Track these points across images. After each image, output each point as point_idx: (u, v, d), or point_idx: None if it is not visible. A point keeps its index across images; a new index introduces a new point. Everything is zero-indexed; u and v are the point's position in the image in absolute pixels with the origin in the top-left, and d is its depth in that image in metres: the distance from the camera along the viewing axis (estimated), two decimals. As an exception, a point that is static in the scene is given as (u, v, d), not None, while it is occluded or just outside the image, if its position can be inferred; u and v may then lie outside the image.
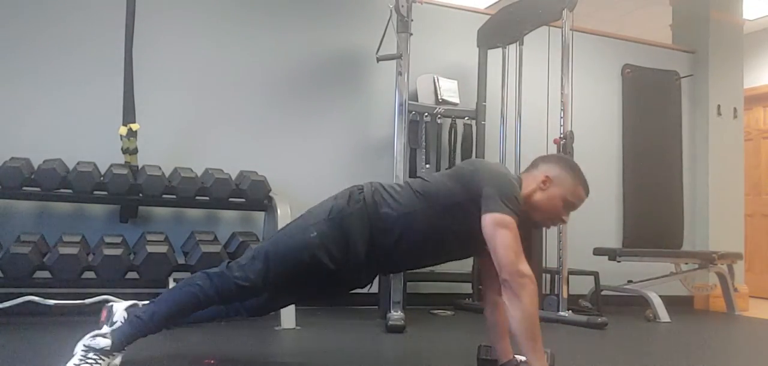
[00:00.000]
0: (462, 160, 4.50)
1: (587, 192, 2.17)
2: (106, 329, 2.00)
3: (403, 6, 3.76)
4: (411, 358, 2.88)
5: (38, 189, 3.36)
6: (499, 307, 2.15)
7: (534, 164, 2.20)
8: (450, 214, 2.04)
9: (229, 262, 2.08)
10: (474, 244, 2.03)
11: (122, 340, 1.96)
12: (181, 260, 3.46)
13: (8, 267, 3.10)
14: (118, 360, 2.01)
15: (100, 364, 1.90)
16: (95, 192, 3.44)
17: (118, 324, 2.02)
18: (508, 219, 1.94)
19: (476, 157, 4.53)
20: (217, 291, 2.02)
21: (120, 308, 2.09)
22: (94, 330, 2.00)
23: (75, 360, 1.89)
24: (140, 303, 2.11)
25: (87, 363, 1.88)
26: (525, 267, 1.91)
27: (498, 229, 1.92)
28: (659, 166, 5.38)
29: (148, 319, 1.99)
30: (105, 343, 1.91)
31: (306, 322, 3.32)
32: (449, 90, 4.50)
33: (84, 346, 1.92)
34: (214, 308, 2.13)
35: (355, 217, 2.04)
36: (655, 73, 5.42)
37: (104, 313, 2.12)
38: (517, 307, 1.90)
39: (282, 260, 2.04)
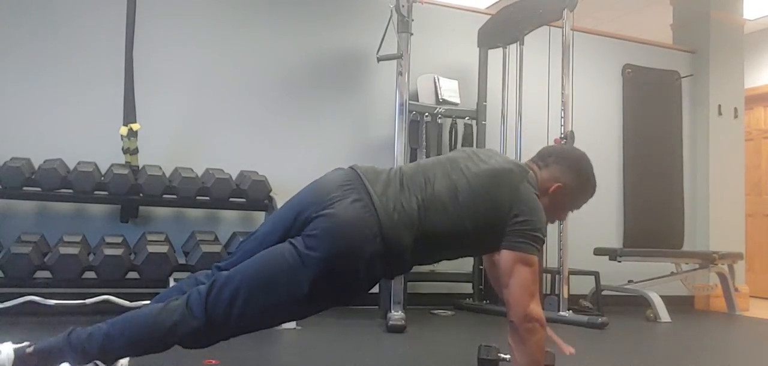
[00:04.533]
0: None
1: (594, 192, 2.10)
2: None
3: (403, 6, 3.76)
4: (411, 358, 2.88)
5: (39, 189, 3.36)
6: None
7: (544, 160, 2.05)
8: (473, 235, 1.87)
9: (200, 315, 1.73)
10: (488, 249, 1.99)
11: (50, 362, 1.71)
12: (181, 260, 3.46)
13: (9, 267, 3.10)
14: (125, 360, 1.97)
15: None
16: (96, 192, 3.44)
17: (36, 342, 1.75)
18: (532, 258, 1.83)
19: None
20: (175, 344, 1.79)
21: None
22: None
23: None
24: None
25: None
26: (536, 309, 1.81)
27: (517, 266, 1.82)
28: (660, 166, 5.38)
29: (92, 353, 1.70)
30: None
31: (306, 322, 3.31)
32: (450, 90, 4.50)
33: None
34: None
35: (370, 267, 1.79)
36: (656, 73, 5.42)
37: None
38: (521, 352, 1.82)
39: (259, 318, 1.80)
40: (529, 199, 1.90)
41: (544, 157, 2.07)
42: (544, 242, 1.90)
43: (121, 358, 1.83)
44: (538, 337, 1.81)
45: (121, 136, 3.50)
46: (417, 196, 1.85)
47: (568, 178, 2.02)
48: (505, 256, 1.85)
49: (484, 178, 1.91)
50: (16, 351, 1.71)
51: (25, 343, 1.74)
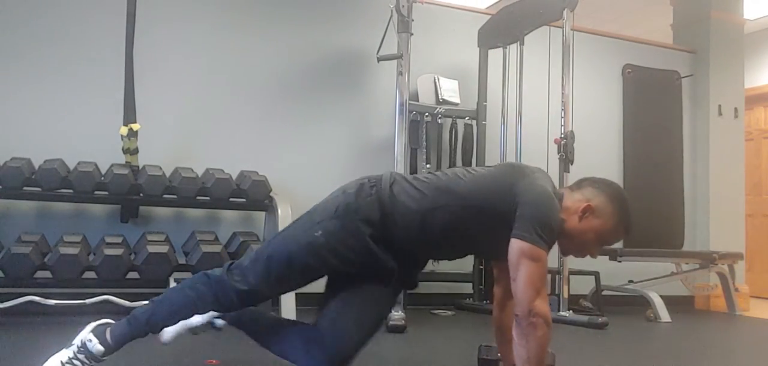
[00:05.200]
0: (463, 160, 4.51)
1: (628, 232, 1.99)
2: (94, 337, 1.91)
3: (403, 6, 3.76)
4: (411, 358, 2.88)
5: (39, 189, 3.36)
6: (506, 308, 2.09)
7: (579, 184, 2.00)
8: (476, 218, 1.88)
9: (230, 264, 1.96)
10: (498, 251, 1.87)
11: (119, 341, 1.90)
12: (181, 260, 3.46)
13: (9, 267, 3.10)
14: None
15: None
16: (96, 192, 3.44)
17: (113, 323, 1.95)
18: (539, 252, 1.77)
19: (477, 157, 4.53)
20: (216, 298, 1.92)
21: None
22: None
23: (68, 353, 1.87)
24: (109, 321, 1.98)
25: (77, 362, 1.86)
26: (541, 305, 1.77)
27: (524, 260, 1.77)
28: (660, 166, 5.38)
29: (147, 321, 1.92)
30: (99, 349, 1.87)
31: (306, 322, 3.32)
32: (450, 90, 4.50)
33: (80, 342, 1.89)
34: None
35: (365, 210, 1.89)
36: (656, 73, 5.42)
37: None
38: (524, 348, 1.79)
39: (286, 264, 1.92)
40: (536, 186, 1.86)
41: (579, 181, 2.04)
42: (552, 236, 1.83)
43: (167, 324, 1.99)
44: (541, 334, 1.78)
45: (121, 136, 3.50)
46: (419, 177, 2.01)
47: (599, 201, 1.93)
48: (511, 247, 1.80)
49: (491, 167, 2.04)
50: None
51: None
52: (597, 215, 1.92)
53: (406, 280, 2.09)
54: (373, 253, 1.90)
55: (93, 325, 1.93)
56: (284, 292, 2.09)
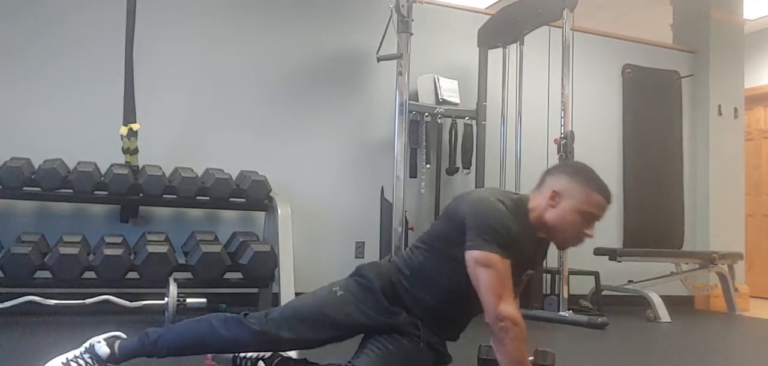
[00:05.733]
0: (462, 160, 4.51)
1: (607, 196, 1.93)
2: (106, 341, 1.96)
3: (403, 6, 3.77)
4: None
5: (39, 189, 3.37)
6: None
7: (541, 180, 2.01)
8: (448, 256, 1.92)
9: (247, 313, 1.97)
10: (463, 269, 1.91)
11: (124, 353, 1.92)
12: (181, 260, 3.46)
13: (9, 267, 3.10)
14: None
15: None
16: (96, 192, 3.44)
17: (125, 336, 1.98)
18: (489, 256, 1.79)
19: (477, 156, 4.53)
20: (229, 337, 1.93)
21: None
22: (105, 331, 1.98)
23: (75, 352, 1.90)
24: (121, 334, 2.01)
25: (81, 361, 1.88)
26: (506, 308, 1.78)
27: (478, 269, 1.80)
28: (660, 166, 5.38)
29: (154, 341, 1.93)
30: (104, 351, 1.89)
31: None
32: (450, 90, 4.50)
33: (88, 344, 1.92)
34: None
35: (378, 269, 2.02)
36: (656, 73, 5.42)
37: None
38: (501, 353, 1.82)
39: (303, 315, 1.97)
40: (477, 199, 1.91)
41: (540, 178, 2.03)
42: (502, 237, 1.80)
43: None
44: (513, 336, 1.78)
45: (121, 136, 3.50)
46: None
47: (560, 182, 1.93)
48: (466, 260, 1.84)
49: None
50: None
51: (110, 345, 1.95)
52: (565, 196, 1.91)
53: (438, 352, 2.08)
54: (388, 310, 1.94)
55: (107, 334, 1.96)
56: (299, 347, 2.07)
